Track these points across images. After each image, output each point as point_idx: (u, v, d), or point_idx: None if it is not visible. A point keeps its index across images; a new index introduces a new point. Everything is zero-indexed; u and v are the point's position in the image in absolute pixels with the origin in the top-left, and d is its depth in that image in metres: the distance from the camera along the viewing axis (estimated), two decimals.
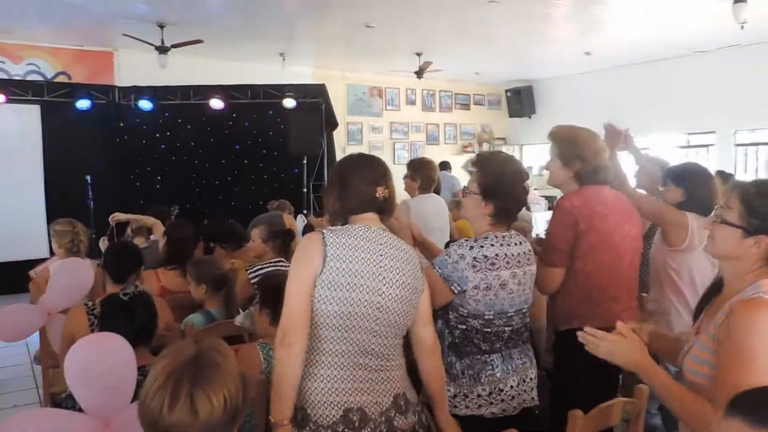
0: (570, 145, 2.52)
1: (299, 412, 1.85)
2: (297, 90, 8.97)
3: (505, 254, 2.17)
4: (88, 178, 7.67)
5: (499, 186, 2.20)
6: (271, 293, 2.36)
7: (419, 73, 9.92)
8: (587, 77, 11.39)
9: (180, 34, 7.67)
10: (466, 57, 10.06)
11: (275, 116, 9.07)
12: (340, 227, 1.93)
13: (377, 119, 11.88)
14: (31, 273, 3.57)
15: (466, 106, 13.07)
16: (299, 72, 10.23)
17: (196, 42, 7.81)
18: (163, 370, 1.29)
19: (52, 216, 6.31)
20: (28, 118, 8.06)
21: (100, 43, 8.85)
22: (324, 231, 1.89)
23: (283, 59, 9.79)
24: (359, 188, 1.95)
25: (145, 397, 1.28)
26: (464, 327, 2.17)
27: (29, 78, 8.56)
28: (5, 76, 8.35)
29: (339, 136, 10.65)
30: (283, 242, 3.70)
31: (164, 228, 4.14)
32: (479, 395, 2.16)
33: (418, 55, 9.61)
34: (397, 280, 1.90)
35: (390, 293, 1.88)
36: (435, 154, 10.89)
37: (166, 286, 3.61)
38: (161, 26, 7.58)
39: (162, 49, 7.83)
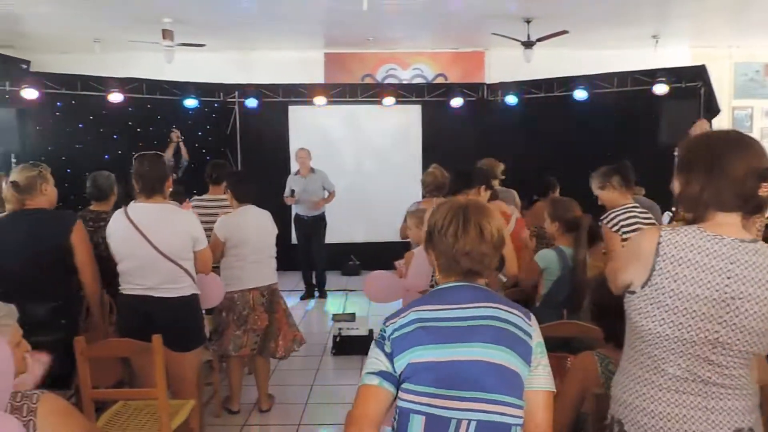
0: None
1: (616, 425, 1.68)
2: (670, 74, 8.08)
3: None
4: None
5: None
6: (606, 310, 2.15)
7: None
8: None
9: (545, 28, 7.70)
10: None
11: (643, 104, 8.33)
12: (684, 231, 1.58)
13: None
14: (397, 263, 4.03)
15: None
16: (674, 54, 9.22)
17: (561, 33, 7.74)
18: (450, 210, 1.72)
19: None
20: (411, 116, 9.22)
21: (472, 44, 9.53)
22: (663, 234, 1.58)
23: (656, 42, 8.99)
24: (738, 178, 1.54)
25: (439, 231, 1.70)
26: None
27: (414, 81, 9.75)
28: (395, 81, 9.70)
29: (720, 123, 9.30)
30: None
31: None
32: None
33: None
34: (751, 310, 1.52)
35: (738, 324, 1.52)
36: None
37: None
38: (527, 21, 7.73)
39: (528, 44, 8.00)
